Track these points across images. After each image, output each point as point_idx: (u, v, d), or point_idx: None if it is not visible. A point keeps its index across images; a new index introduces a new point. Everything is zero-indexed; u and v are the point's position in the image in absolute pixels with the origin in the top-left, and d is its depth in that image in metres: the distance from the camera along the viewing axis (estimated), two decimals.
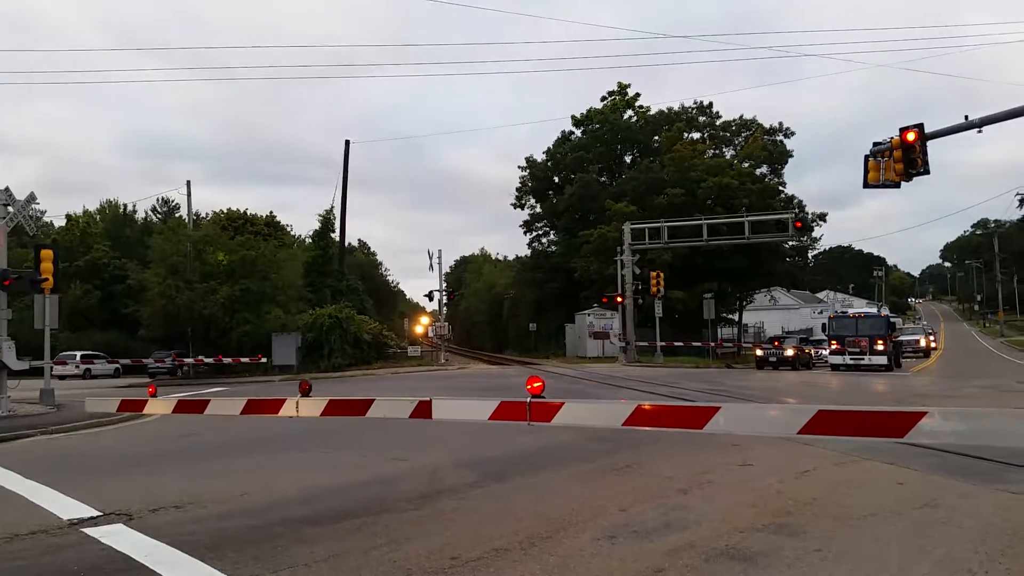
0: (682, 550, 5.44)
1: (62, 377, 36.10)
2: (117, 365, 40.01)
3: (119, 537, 6.06)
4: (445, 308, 55.50)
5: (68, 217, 59.85)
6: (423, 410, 5.83)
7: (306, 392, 6.41)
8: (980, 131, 18.27)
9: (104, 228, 59.45)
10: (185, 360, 38.67)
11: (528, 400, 5.20)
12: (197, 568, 5.20)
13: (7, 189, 19.40)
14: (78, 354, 40.65)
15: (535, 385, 5.20)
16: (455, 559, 5.30)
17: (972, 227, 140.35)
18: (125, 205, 64.06)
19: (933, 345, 56.79)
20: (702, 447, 10.03)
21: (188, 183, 44.53)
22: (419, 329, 54.03)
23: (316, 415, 6.48)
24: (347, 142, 52.13)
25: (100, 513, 6.91)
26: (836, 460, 9.24)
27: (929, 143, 18.46)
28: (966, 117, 18.38)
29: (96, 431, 14.72)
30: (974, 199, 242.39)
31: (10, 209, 19.35)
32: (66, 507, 7.21)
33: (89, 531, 6.28)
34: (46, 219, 57.67)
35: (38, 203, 20.15)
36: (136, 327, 43.54)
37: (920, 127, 18.32)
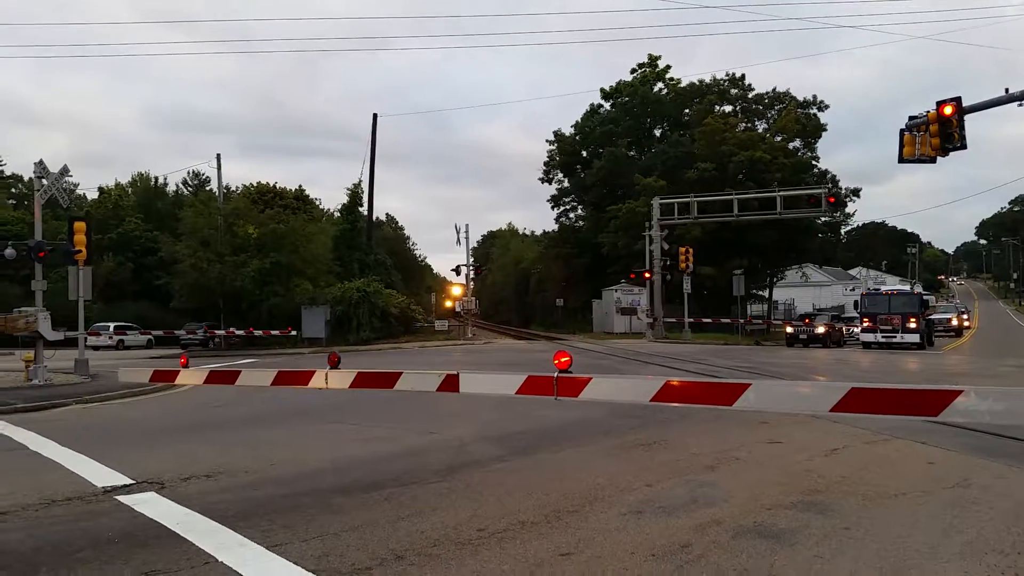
0: (709, 526, 5.42)
1: (96, 348, 36.74)
2: (150, 336, 40.66)
3: (151, 505, 6.17)
4: (472, 283, 55.58)
5: (100, 190, 60.71)
6: (451, 383, 5.84)
7: (335, 364, 6.45)
8: (1021, 104, 17.82)
9: (136, 201, 60.19)
10: (216, 332, 39.15)
11: (555, 375, 5.18)
12: (228, 536, 5.28)
13: (41, 162, 19.65)
14: (111, 325, 41.31)
15: (563, 360, 5.18)
16: (481, 531, 5.33)
17: (1009, 203, 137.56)
18: (156, 178, 64.83)
19: (966, 324, 55.90)
20: (730, 424, 9.98)
21: (218, 156, 44.80)
22: (449, 303, 54.54)
23: (345, 387, 6.52)
24: (375, 115, 52.13)
25: (133, 481, 7.04)
26: (866, 439, 9.14)
27: (967, 117, 18.07)
28: (1006, 90, 17.94)
29: (130, 401, 14.99)
30: (1012, 174, 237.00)
31: (44, 182, 19.61)
32: (100, 475, 7.35)
33: (122, 499, 6.41)
34: (79, 192, 58.40)
35: (71, 176, 20.37)
36: (168, 299, 44.09)
37: (958, 100, 17.92)
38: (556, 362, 5.21)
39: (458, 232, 51.04)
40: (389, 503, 6.19)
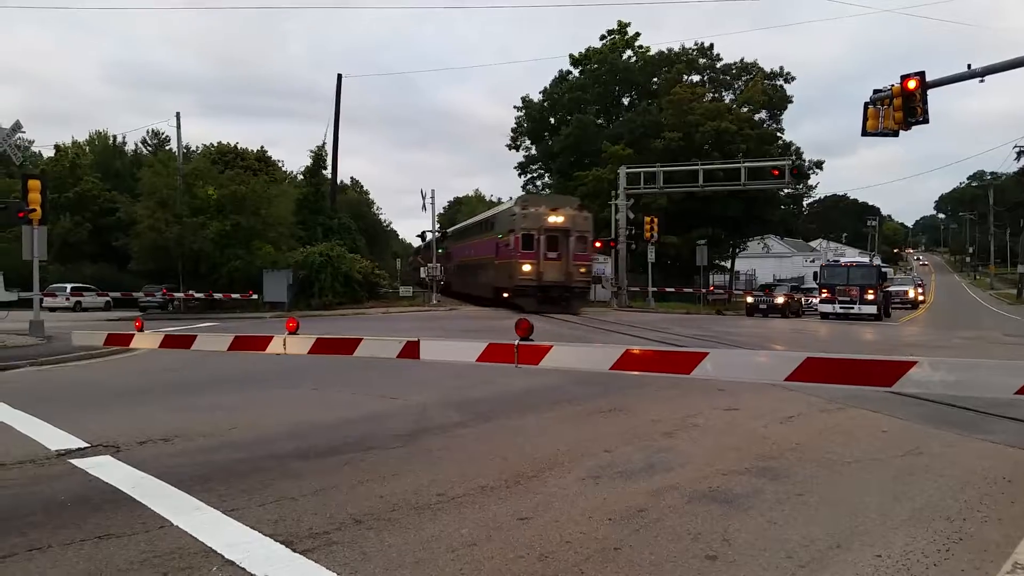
0: (665, 491, 5.50)
1: (52, 309, 35.98)
2: (107, 298, 39.89)
3: (106, 469, 6.08)
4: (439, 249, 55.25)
5: (57, 148, 59.07)
6: (411, 350, 5.80)
7: (294, 331, 6.37)
8: (983, 81, 18.05)
9: (94, 160, 58.80)
10: (175, 295, 38.54)
11: (516, 343, 5.16)
12: (184, 500, 5.22)
13: None
14: (68, 286, 40.51)
15: (523, 328, 5.16)
16: (441, 495, 5.35)
17: (968, 179, 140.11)
18: (115, 137, 63.41)
19: (921, 297, 57.13)
20: (689, 392, 10.10)
21: (177, 115, 43.55)
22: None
23: (303, 353, 6.45)
24: (339, 76, 51.09)
25: (88, 445, 6.92)
26: (822, 407, 9.33)
27: (930, 92, 18.25)
28: (969, 66, 18.16)
29: (85, 363, 14.72)
30: (972, 150, 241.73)
31: None
32: (54, 438, 7.22)
33: (76, 462, 6.30)
34: (34, 150, 57.02)
35: (24, 132, 19.88)
36: (126, 260, 43.24)
37: (922, 75, 18.09)
38: (517, 330, 5.19)
39: (424, 197, 50.56)
40: (349, 468, 6.17)
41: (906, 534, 4.62)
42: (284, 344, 6.40)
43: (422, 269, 50.74)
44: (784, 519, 4.88)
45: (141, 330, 7.41)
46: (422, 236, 50.48)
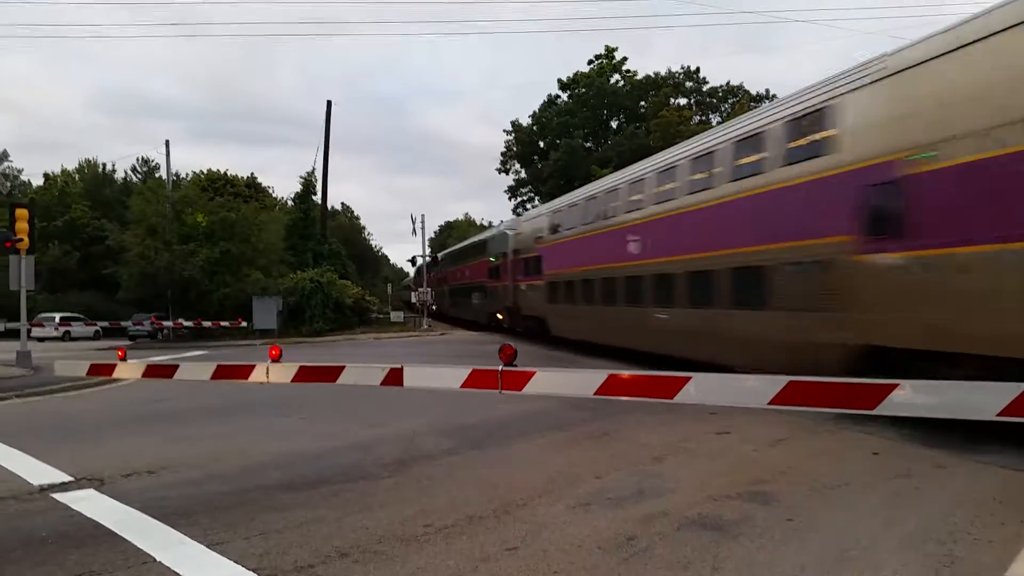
0: (655, 518, 5.45)
1: (41, 339, 35.77)
2: (96, 327, 39.67)
3: (90, 503, 6.01)
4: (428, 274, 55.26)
5: (46, 176, 59.00)
6: (394, 377, 5.77)
7: (277, 358, 6.31)
8: None
9: (83, 188, 58.60)
10: (164, 323, 38.34)
11: (500, 368, 5.14)
12: (167, 534, 5.16)
13: None
14: (57, 316, 40.22)
15: (507, 353, 5.14)
16: (428, 526, 5.29)
17: None
18: (104, 164, 63.24)
19: None
20: (680, 415, 10.06)
21: (167, 143, 43.56)
22: None
23: (286, 381, 6.39)
24: (329, 103, 51.27)
25: (71, 478, 6.84)
26: (812, 429, 9.30)
27: None
28: None
29: (73, 394, 14.58)
30: None
31: None
32: (37, 472, 7.13)
33: (59, 496, 6.22)
34: (23, 178, 56.84)
35: (12, 161, 19.88)
36: (116, 289, 42.97)
37: None
38: (501, 355, 5.17)
39: (414, 222, 50.71)
40: (336, 499, 6.11)
41: (897, 559, 4.58)
42: (267, 372, 6.34)
43: (412, 294, 50.67)
44: (774, 546, 4.84)
45: (124, 359, 7.33)
46: (412, 260, 50.35)
